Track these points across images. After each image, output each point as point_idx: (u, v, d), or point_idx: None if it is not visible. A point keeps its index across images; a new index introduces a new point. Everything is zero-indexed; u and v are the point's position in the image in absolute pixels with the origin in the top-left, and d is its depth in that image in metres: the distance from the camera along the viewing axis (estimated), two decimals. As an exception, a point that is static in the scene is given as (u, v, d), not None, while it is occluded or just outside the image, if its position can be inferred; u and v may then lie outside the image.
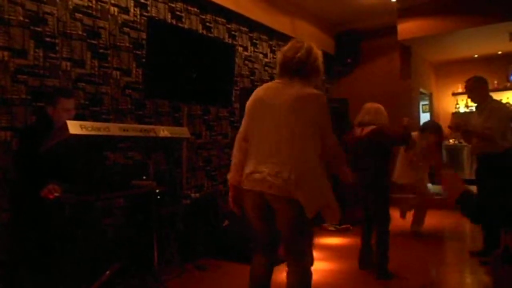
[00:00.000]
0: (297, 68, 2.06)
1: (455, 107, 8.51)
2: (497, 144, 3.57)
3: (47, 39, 3.23)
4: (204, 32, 4.81)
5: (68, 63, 3.37)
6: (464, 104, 8.29)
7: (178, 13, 4.49)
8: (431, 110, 8.30)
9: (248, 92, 2.20)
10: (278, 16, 5.96)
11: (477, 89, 3.83)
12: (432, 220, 5.05)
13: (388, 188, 3.46)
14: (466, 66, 7.81)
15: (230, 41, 5.18)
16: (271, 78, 5.23)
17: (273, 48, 6.08)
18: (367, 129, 3.38)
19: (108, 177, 2.78)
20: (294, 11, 6.31)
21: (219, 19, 5.07)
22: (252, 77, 5.61)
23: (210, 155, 4.84)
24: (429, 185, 5.20)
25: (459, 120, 4.83)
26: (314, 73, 2.11)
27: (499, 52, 7.66)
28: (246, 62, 5.53)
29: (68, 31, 3.38)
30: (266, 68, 5.91)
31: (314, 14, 6.78)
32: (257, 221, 2.10)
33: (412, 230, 4.71)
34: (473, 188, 4.12)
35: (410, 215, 4.82)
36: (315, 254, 4.08)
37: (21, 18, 3.06)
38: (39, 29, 3.17)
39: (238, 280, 3.18)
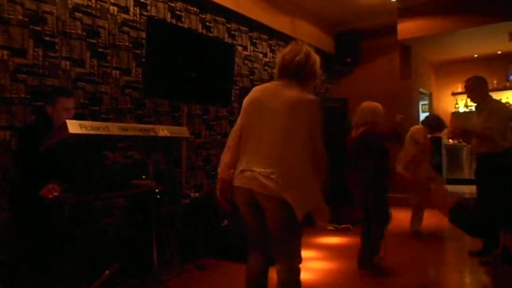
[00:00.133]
0: (296, 71, 2.08)
1: (455, 107, 8.52)
2: (497, 144, 3.58)
3: (47, 38, 3.22)
4: (204, 31, 4.81)
5: (68, 62, 3.37)
6: (464, 104, 8.31)
7: (177, 12, 4.48)
8: (431, 110, 8.30)
9: (247, 92, 2.20)
10: (278, 16, 5.96)
11: (476, 89, 3.84)
12: (432, 220, 5.04)
13: (388, 188, 3.46)
14: (466, 66, 7.83)
15: (229, 41, 5.18)
16: (271, 78, 5.22)
17: (273, 47, 6.08)
18: (361, 129, 3.41)
19: (107, 177, 2.77)
20: (294, 11, 6.30)
21: (219, 18, 5.06)
22: (251, 77, 5.61)
23: (210, 154, 4.84)
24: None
25: (458, 125, 4.77)
26: (311, 77, 2.14)
27: (499, 52, 7.66)
28: (246, 61, 5.53)
29: (68, 30, 3.38)
30: (266, 67, 5.90)
31: (314, 14, 6.78)
32: (249, 216, 2.12)
33: (412, 230, 4.71)
34: (473, 189, 4.13)
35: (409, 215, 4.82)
36: (314, 253, 4.09)
37: (21, 17, 3.05)
38: (38, 28, 3.16)
39: (238, 280, 3.17)
